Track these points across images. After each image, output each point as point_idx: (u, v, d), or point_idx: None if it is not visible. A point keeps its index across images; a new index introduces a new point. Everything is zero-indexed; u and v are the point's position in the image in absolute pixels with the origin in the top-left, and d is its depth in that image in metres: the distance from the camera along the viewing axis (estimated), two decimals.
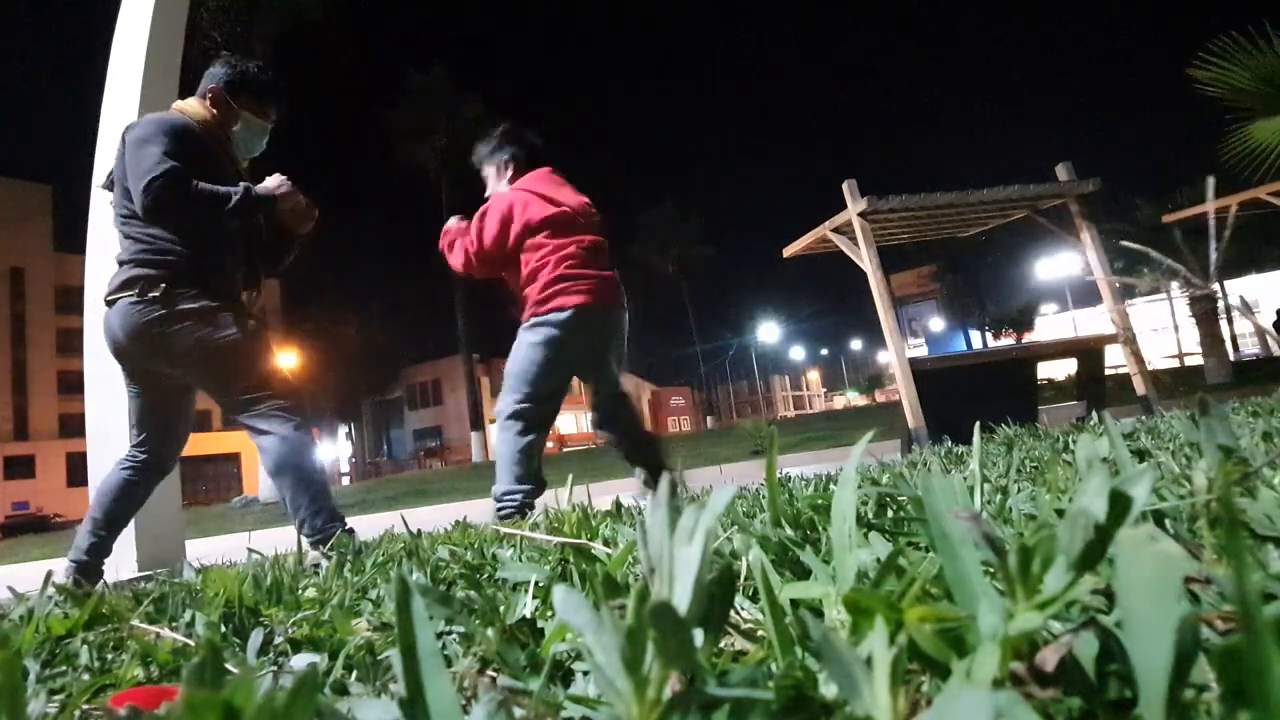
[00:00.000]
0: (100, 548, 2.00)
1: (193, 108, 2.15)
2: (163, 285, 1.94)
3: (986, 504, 0.78)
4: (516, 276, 2.47)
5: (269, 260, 2.27)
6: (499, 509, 2.29)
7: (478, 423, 26.68)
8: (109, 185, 2.11)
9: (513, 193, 2.48)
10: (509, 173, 2.59)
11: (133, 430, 2.11)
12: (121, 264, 2.01)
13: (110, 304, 1.99)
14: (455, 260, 2.53)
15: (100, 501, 2.02)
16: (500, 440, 2.38)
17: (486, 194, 2.64)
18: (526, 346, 2.39)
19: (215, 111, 2.17)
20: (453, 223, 2.60)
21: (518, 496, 2.29)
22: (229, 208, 1.97)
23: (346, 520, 2.04)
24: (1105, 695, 0.27)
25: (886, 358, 5.52)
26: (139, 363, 2.04)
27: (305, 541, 1.94)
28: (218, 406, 2.10)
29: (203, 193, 1.95)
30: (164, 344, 1.96)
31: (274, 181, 2.13)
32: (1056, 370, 7.79)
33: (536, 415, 2.39)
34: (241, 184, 2.02)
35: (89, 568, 1.96)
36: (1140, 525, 0.33)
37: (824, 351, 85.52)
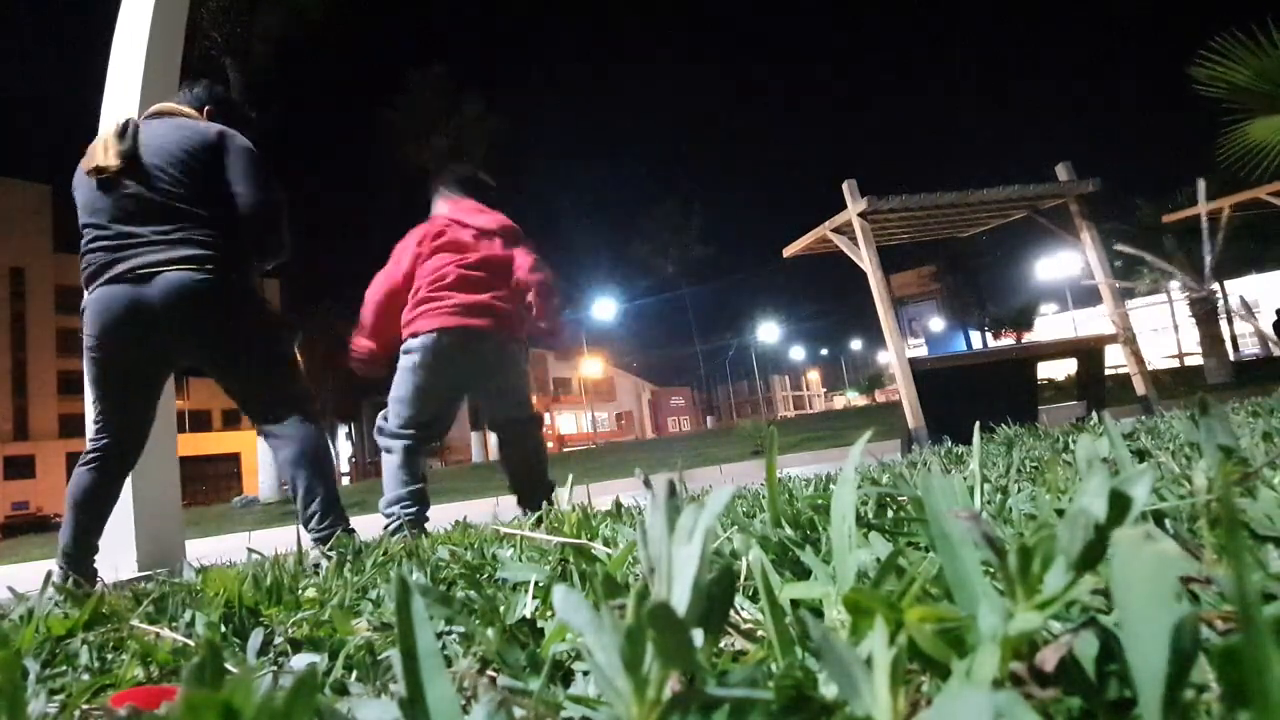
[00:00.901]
0: (85, 546, 1.98)
1: (201, 120, 2.21)
2: (227, 267, 2.00)
3: (986, 504, 0.78)
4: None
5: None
6: (387, 523, 2.28)
7: (477, 423, 26.68)
8: (130, 155, 2.02)
9: (421, 225, 2.51)
10: (443, 206, 2.59)
11: (94, 421, 2.06)
12: (168, 242, 1.96)
13: (144, 278, 1.93)
14: (369, 311, 2.50)
15: (73, 504, 1.98)
16: (385, 458, 2.37)
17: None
18: (400, 371, 2.39)
19: None
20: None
21: (404, 508, 2.28)
22: (280, 254, 2.14)
23: (350, 521, 2.05)
24: (1105, 695, 0.27)
25: (886, 358, 5.53)
26: (146, 344, 1.98)
27: (310, 537, 1.94)
28: (237, 399, 2.09)
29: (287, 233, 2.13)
30: (218, 321, 1.98)
31: None
32: (1056, 370, 7.79)
33: (418, 436, 2.38)
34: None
35: (79, 566, 1.94)
36: (1138, 525, 0.33)
37: (824, 351, 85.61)
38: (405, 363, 2.37)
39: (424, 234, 2.46)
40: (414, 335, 2.35)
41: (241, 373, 2.08)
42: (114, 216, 1.99)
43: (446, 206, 2.55)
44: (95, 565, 2.01)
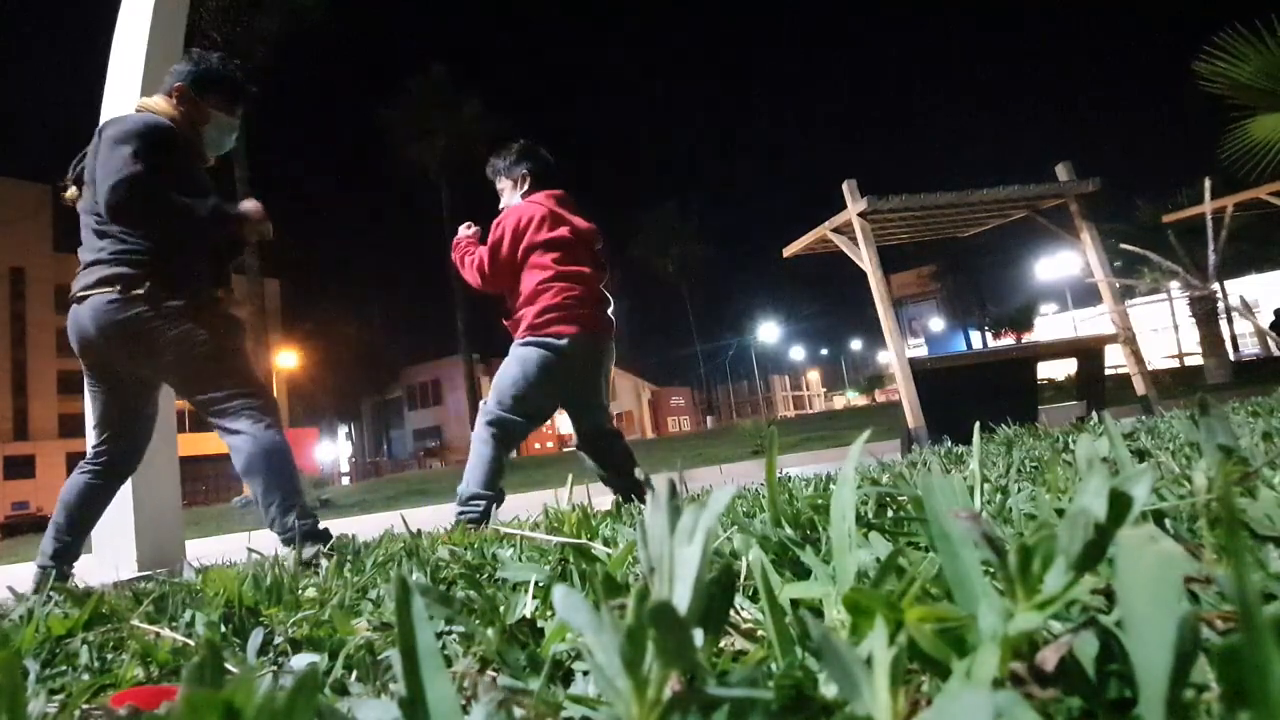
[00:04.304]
0: (66, 553, 1.99)
1: (160, 105, 2.09)
2: (146, 284, 1.92)
3: (986, 504, 0.78)
4: (516, 291, 2.47)
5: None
6: (462, 513, 2.28)
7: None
8: (76, 181, 2.06)
9: (527, 205, 2.48)
10: (525, 187, 2.58)
11: (93, 431, 2.08)
12: (96, 262, 1.95)
13: (80, 300, 1.94)
14: (469, 275, 2.54)
15: (63, 506, 2.00)
16: (477, 444, 2.39)
17: (501, 205, 2.62)
18: (518, 361, 2.40)
19: (183, 109, 2.12)
20: (463, 232, 2.60)
21: (482, 504, 2.29)
22: (195, 220, 1.96)
23: (319, 519, 2.02)
24: (1105, 695, 0.27)
25: (886, 358, 5.52)
26: (106, 361, 2.00)
27: (277, 540, 1.94)
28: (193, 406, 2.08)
29: (170, 202, 1.93)
30: (141, 342, 1.93)
31: (251, 205, 2.10)
32: (1056, 370, 7.78)
33: (515, 429, 2.40)
34: (211, 199, 2.02)
35: (57, 574, 1.93)
36: (1140, 525, 0.33)
37: (824, 351, 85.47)
38: (530, 356, 2.37)
39: (530, 220, 2.43)
40: (549, 336, 2.37)
41: (180, 385, 2.06)
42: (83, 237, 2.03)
43: (542, 196, 2.53)
44: (72, 573, 2.01)
